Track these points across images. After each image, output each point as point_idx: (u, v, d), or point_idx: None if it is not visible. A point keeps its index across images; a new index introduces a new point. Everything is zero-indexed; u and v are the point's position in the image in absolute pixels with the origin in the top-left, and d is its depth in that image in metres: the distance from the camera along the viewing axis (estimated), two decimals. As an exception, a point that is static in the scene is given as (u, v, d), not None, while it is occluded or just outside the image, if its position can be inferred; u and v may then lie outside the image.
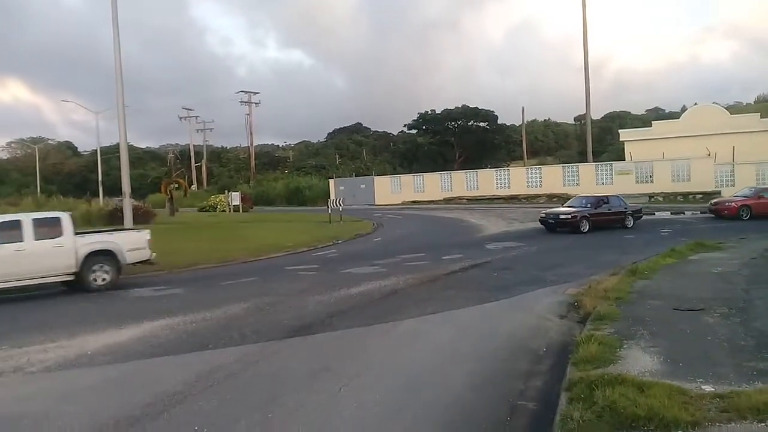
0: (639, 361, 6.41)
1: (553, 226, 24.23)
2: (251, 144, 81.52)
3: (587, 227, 23.61)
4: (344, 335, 8.87)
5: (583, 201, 25.76)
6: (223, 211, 51.26)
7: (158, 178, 60.88)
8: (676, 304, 9.34)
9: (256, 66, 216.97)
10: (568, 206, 25.77)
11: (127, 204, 20.23)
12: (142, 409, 5.87)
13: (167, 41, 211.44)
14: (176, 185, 48.85)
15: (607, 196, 26.37)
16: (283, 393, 6.29)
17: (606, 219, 24.63)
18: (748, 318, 8.29)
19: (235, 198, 51.37)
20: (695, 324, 8.05)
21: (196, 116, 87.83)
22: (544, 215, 25.09)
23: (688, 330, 7.73)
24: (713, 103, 63.94)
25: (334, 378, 6.75)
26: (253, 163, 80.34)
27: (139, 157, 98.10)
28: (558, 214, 24.43)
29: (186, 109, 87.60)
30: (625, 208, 25.54)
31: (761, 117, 51.65)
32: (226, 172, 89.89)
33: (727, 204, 28.57)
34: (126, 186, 20.16)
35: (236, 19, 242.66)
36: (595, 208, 24.60)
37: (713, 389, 5.41)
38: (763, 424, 4.58)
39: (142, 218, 32.01)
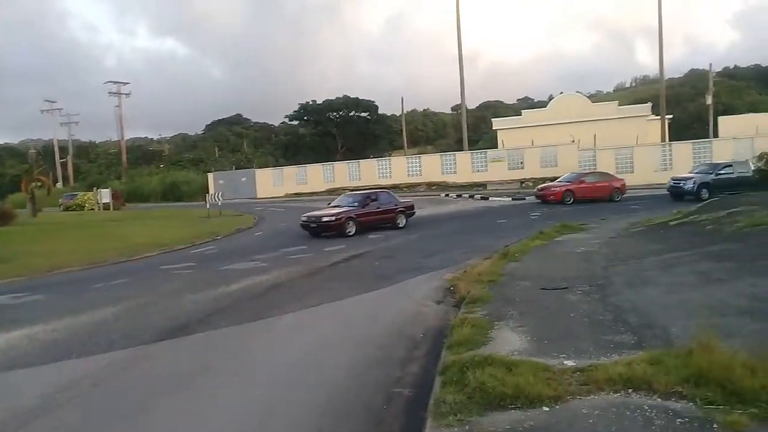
0: (508, 341, 6.70)
1: (317, 230, 21.24)
2: (122, 137, 77.08)
3: (353, 230, 21.03)
4: (223, 334, 8.61)
5: (350, 200, 23.17)
6: (92, 209, 48.29)
7: (17, 177, 56.26)
8: (543, 283, 9.88)
9: (125, 55, 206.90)
10: (335, 205, 23.08)
11: (-21, 205, 18.51)
12: (-6, 428, 5.40)
13: (24, 28, 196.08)
14: (38, 183, 45.34)
15: (376, 192, 24.31)
16: (156, 398, 6.01)
17: (375, 218, 22.15)
18: (606, 294, 8.91)
19: (105, 195, 48.49)
20: (560, 302, 8.55)
21: (60, 109, 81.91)
22: (305, 219, 21.80)
23: (553, 308, 8.19)
24: (576, 92, 68.37)
25: (211, 378, 6.55)
26: (124, 158, 76.06)
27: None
28: (320, 218, 21.38)
29: (48, 101, 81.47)
30: (396, 205, 23.22)
31: (618, 105, 55.86)
32: (95, 168, 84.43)
33: (552, 189, 29.38)
34: (-23, 186, 18.42)
35: (102, 5, 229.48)
36: (363, 207, 21.99)
37: (574, 364, 5.75)
38: (618, 394, 4.92)
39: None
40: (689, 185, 27.04)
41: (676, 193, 27.88)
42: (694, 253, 11.32)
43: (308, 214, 22.29)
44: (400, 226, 22.63)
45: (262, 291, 11.65)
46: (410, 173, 49.70)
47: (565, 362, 5.82)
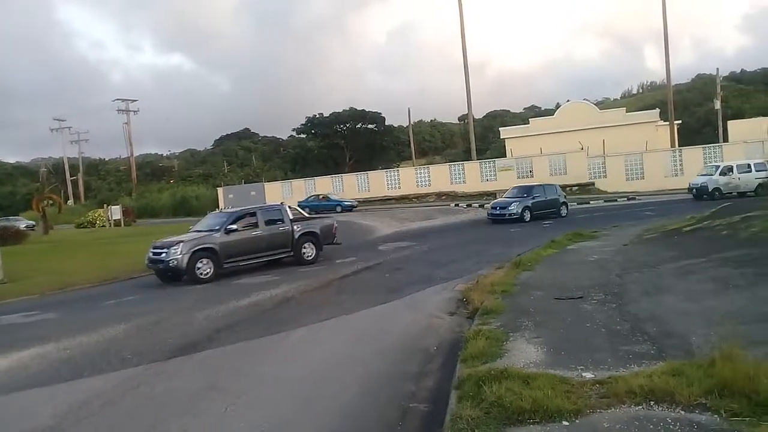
0: (524, 353, 6.56)
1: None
2: (131, 154, 77.47)
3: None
4: (232, 350, 8.49)
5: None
6: (103, 226, 48.42)
7: (29, 195, 56.63)
8: (557, 293, 9.72)
9: (132, 72, 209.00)
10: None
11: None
12: (4, 451, 5.32)
13: (31, 47, 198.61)
14: (50, 201, 45.61)
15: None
16: (165, 418, 5.90)
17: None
18: (622, 302, 8.74)
19: (115, 212, 48.60)
20: (575, 312, 8.38)
21: (69, 127, 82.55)
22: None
23: (568, 318, 8.03)
24: (584, 99, 68.22)
25: (220, 397, 6.41)
26: (134, 174, 76.51)
27: (9, 173, 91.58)
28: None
29: (58, 120, 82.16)
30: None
31: (626, 111, 55.63)
32: (105, 185, 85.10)
33: None
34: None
35: (107, 24, 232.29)
36: None
37: (593, 376, 5.60)
38: (639, 407, 4.77)
39: (12, 239, 29.64)
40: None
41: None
42: (711, 260, 11.13)
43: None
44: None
45: (273, 305, 11.56)
46: (419, 184, 49.63)
47: (583, 374, 5.68)
